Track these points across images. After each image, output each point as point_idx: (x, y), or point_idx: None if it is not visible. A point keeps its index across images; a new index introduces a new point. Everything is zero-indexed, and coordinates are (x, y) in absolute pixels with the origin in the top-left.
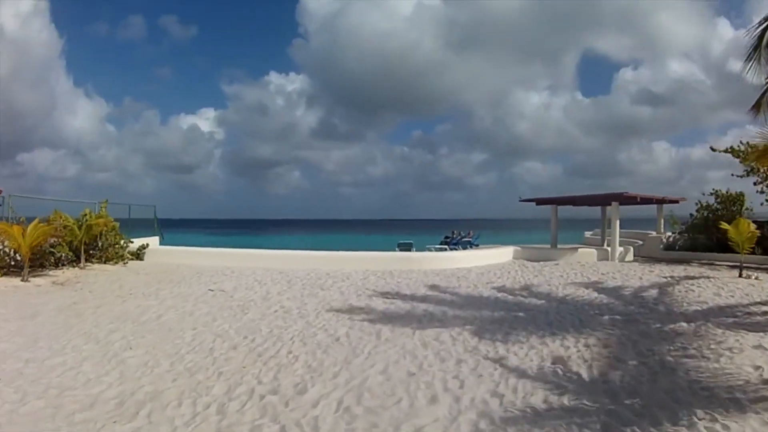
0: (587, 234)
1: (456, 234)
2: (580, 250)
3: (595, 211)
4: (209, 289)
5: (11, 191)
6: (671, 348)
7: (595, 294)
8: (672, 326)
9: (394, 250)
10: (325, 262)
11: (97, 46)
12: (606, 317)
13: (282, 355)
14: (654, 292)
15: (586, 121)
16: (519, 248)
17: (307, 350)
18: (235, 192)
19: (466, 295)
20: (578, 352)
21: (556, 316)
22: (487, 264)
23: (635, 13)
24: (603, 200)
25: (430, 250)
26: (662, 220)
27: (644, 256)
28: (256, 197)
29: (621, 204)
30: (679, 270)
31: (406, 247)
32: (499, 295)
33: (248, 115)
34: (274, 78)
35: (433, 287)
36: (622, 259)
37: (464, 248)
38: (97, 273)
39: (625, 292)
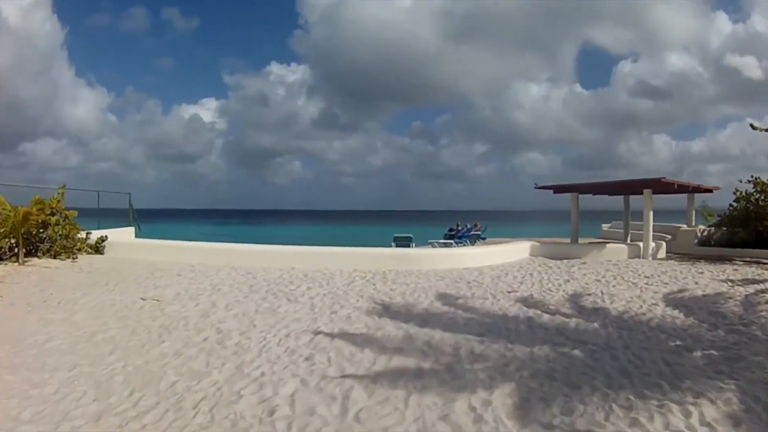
0: (605, 227)
1: (461, 227)
2: (608, 245)
3: (613, 201)
4: (141, 298)
5: (15, 181)
6: None
7: (658, 309)
8: None
9: (390, 245)
10: (306, 259)
11: (98, 37)
12: (698, 354)
13: None
14: (732, 306)
15: (586, 113)
16: (537, 243)
17: None
18: (237, 182)
19: (484, 312)
20: None
21: (628, 355)
22: (501, 263)
23: (634, 6)
24: (632, 188)
25: (432, 245)
26: (693, 212)
27: (677, 253)
28: (258, 187)
29: (654, 193)
30: (729, 270)
31: (404, 242)
32: (531, 312)
33: (249, 105)
34: (275, 68)
35: (438, 298)
36: (654, 256)
37: (472, 243)
38: (32, 270)
39: (692, 305)
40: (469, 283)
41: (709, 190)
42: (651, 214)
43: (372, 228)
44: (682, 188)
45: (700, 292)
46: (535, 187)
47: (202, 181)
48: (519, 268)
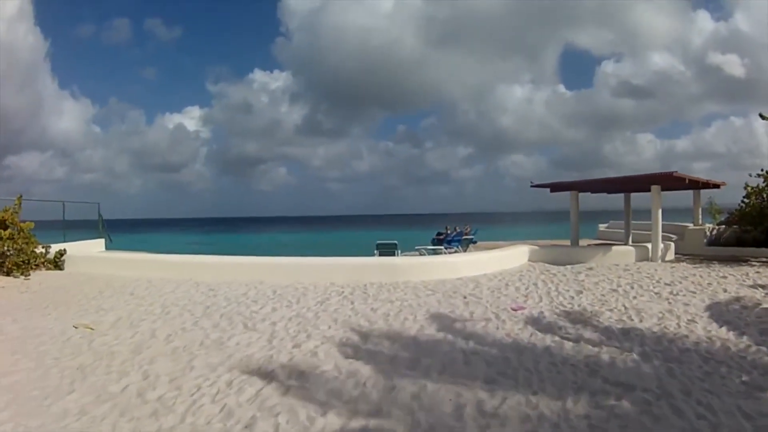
0: (602, 227)
1: (450, 230)
2: (614, 248)
3: (607, 200)
4: (74, 326)
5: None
6: None
7: (699, 328)
8: None
9: (373, 253)
10: (278, 272)
11: (82, 49)
12: None
13: None
14: None
15: (569, 114)
16: (536, 247)
17: None
18: (222, 190)
19: (489, 341)
20: None
21: (693, 406)
22: (499, 271)
23: (614, 7)
24: (638, 184)
25: (420, 252)
26: (700, 209)
27: (686, 254)
28: (244, 195)
29: (663, 189)
30: (752, 274)
31: (389, 250)
32: (548, 340)
33: (233, 113)
34: (258, 76)
35: (430, 321)
36: (663, 258)
37: (464, 248)
38: None
39: (736, 320)
40: (465, 298)
41: (717, 186)
42: (660, 212)
43: (357, 233)
44: (693, 184)
45: (737, 305)
46: (531, 186)
47: (187, 189)
48: (520, 277)
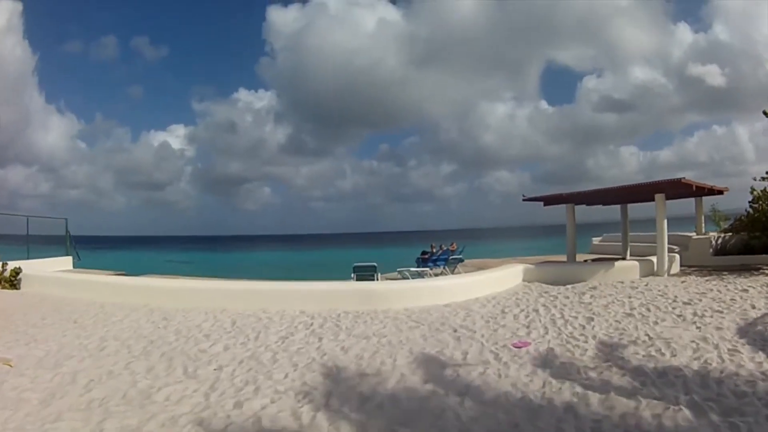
0: (595, 240)
1: (436, 248)
2: (616, 264)
3: (598, 212)
4: None
5: None
6: None
7: (744, 360)
8: None
9: (350, 278)
10: (243, 298)
11: (69, 65)
12: None
13: None
14: None
15: (552, 130)
16: (530, 266)
17: None
18: (207, 208)
19: (489, 396)
20: None
21: None
22: (491, 294)
23: (593, 24)
24: (640, 193)
25: (403, 274)
26: (702, 217)
27: (692, 265)
28: (228, 213)
29: (668, 198)
30: None
31: (367, 274)
32: (568, 392)
33: (218, 131)
34: (243, 95)
35: (414, 367)
36: (669, 272)
37: (451, 268)
38: None
39: None
40: (455, 331)
41: (720, 192)
42: (665, 223)
43: (339, 251)
44: (698, 191)
45: None
46: (524, 200)
47: (172, 208)
48: (516, 302)
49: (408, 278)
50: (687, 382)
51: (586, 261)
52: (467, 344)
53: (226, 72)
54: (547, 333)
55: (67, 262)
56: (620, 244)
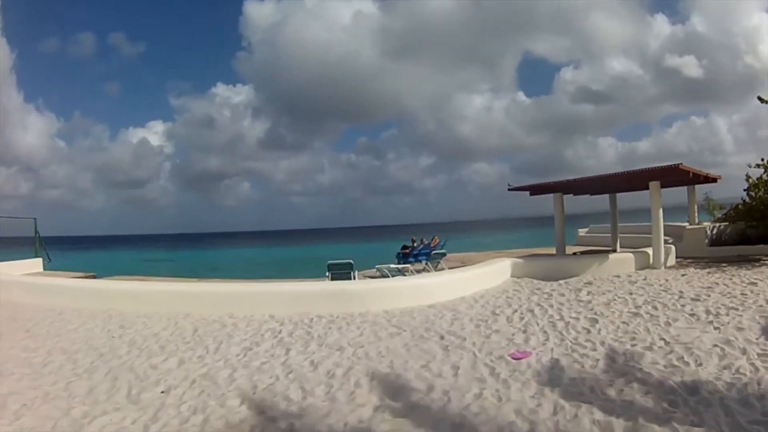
0: (581, 232)
1: (417, 242)
2: (611, 256)
3: (581, 202)
4: None
5: None
6: None
7: None
8: None
9: (325, 275)
10: (208, 302)
11: (47, 62)
12: None
13: None
14: None
15: (530, 121)
16: (519, 260)
17: None
18: (186, 205)
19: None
20: None
21: None
22: (478, 292)
23: (569, 15)
24: (633, 181)
25: (382, 272)
26: (695, 206)
27: (688, 257)
28: (208, 210)
29: (663, 186)
30: None
31: (343, 273)
32: (587, 420)
33: (196, 127)
34: (220, 90)
35: (392, 391)
36: (665, 264)
37: (434, 264)
38: None
39: None
40: (442, 338)
41: (714, 180)
42: (660, 212)
43: (319, 247)
44: (695, 178)
45: None
46: (509, 189)
47: (151, 205)
48: (507, 300)
49: (388, 276)
50: (724, 400)
51: (575, 254)
52: (457, 355)
53: (203, 67)
54: (548, 339)
55: (37, 264)
56: (608, 235)
